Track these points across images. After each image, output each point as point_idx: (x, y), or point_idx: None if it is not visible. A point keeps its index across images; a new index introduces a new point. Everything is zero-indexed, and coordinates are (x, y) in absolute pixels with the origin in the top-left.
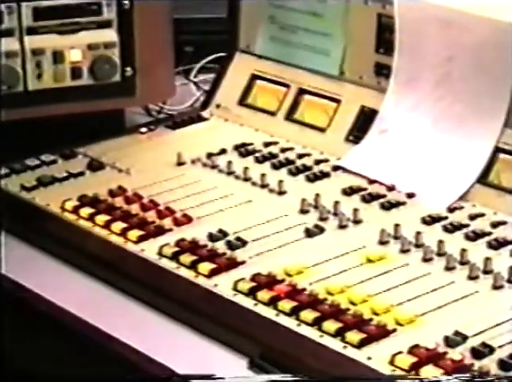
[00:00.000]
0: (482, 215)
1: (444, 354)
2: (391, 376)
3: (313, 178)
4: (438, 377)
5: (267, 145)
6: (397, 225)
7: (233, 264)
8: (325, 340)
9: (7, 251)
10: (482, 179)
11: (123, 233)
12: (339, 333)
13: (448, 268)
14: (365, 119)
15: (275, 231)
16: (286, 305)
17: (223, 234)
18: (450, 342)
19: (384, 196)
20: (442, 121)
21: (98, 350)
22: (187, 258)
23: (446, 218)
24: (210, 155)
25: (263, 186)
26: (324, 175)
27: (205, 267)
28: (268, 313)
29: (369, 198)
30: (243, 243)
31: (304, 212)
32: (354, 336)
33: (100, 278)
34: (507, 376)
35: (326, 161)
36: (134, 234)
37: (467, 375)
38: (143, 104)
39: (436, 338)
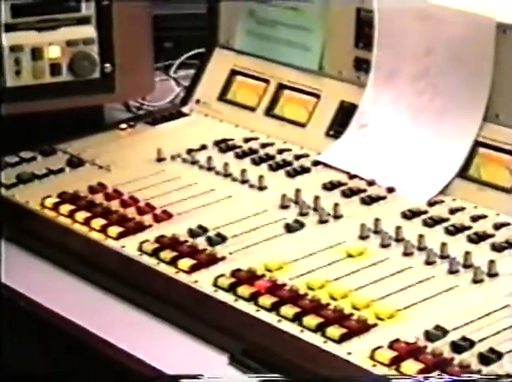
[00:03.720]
0: (462, 209)
1: (424, 348)
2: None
3: (293, 173)
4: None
5: (247, 140)
6: (377, 220)
7: (213, 260)
8: (306, 335)
9: None
10: (462, 173)
11: (103, 230)
12: (320, 328)
13: (428, 262)
14: (345, 114)
15: (255, 227)
16: (267, 300)
17: (203, 230)
18: (430, 336)
19: (364, 190)
20: (422, 115)
21: (76, 344)
22: (167, 254)
23: (426, 212)
24: (190, 151)
25: (243, 182)
26: (304, 170)
27: (185, 263)
28: (248, 308)
29: (349, 193)
30: (223, 238)
31: (284, 207)
32: (334, 331)
33: (80, 274)
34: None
35: (306, 156)
36: (114, 230)
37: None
38: (123, 100)
39: (417, 332)
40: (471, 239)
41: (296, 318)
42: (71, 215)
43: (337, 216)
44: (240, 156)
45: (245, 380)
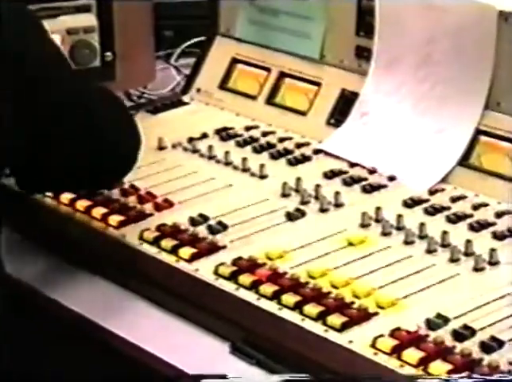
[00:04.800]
0: (463, 197)
1: (425, 337)
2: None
3: (294, 162)
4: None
5: (248, 129)
6: (378, 208)
7: (214, 248)
8: (307, 323)
9: None
10: (464, 161)
11: (104, 218)
12: (321, 317)
13: (430, 251)
14: (346, 102)
15: (256, 216)
16: (268, 289)
17: (203, 218)
18: (431, 325)
19: (365, 179)
20: (423, 103)
21: (78, 331)
22: (168, 242)
23: (427, 201)
24: (191, 139)
25: (244, 170)
26: (305, 159)
27: (186, 251)
28: (249, 297)
29: (350, 181)
30: (224, 227)
31: (285, 195)
32: (335, 319)
33: (80, 263)
34: None
35: (307, 144)
36: (115, 219)
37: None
38: (123, 89)
39: (418, 321)
40: (472, 228)
41: (297, 307)
42: (71, 204)
43: (338, 205)
44: (241, 144)
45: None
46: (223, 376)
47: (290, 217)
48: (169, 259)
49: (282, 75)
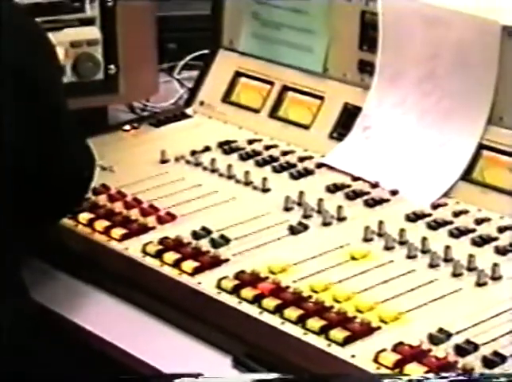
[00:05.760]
0: (466, 212)
1: (428, 351)
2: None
3: (297, 175)
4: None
5: (251, 142)
6: (381, 222)
7: (216, 262)
8: (309, 338)
9: None
10: (466, 176)
11: (106, 231)
12: (324, 331)
13: (432, 265)
14: (348, 116)
15: (259, 229)
16: (270, 303)
17: (206, 232)
18: (434, 339)
19: (368, 193)
20: (426, 118)
21: (78, 344)
22: (170, 256)
23: (430, 215)
24: (193, 153)
25: (247, 184)
26: (308, 172)
27: (189, 265)
28: (252, 311)
29: (353, 195)
30: (227, 240)
31: (287, 209)
32: (338, 333)
33: (83, 276)
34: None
35: (310, 158)
36: (118, 232)
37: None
38: (126, 102)
39: (420, 335)
40: (474, 242)
41: (300, 321)
42: (73, 216)
43: (341, 219)
44: (244, 158)
45: (241, 379)
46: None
47: (293, 231)
48: (172, 272)
49: (285, 88)
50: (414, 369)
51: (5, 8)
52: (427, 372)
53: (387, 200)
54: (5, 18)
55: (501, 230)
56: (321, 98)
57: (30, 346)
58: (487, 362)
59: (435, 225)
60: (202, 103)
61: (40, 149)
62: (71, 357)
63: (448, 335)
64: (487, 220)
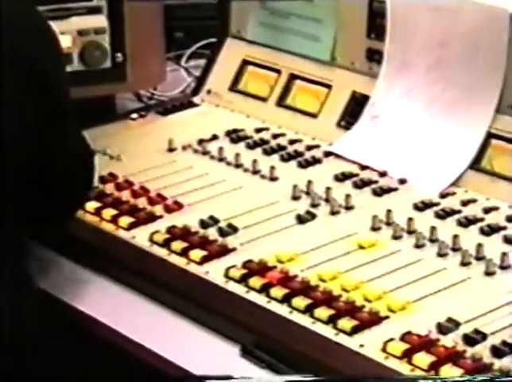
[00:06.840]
0: (474, 201)
1: (436, 341)
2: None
3: (305, 164)
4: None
5: (258, 131)
6: (389, 211)
7: (224, 251)
8: (317, 327)
9: None
10: (475, 165)
11: (114, 220)
12: (331, 320)
13: (440, 254)
14: (356, 105)
15: (266, 218)
16: (278, 292)
17: (214, 221)
18: (442, 329)
19: (376, 182)
20: (434, 106)
21: (84, 333)
22: (178, 245)
23: (438, 204)
24: (201, 141)
25: (255, 172)
26: (316, 161)
27: (196, 253)
28: (260, 300)
29: (361, 184)
30: (234, 229)
31: (295, 198)
32: (346, 323)
33: (90, 264)
34: None
35: (318, 146)
36: (125, 221)
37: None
38: (134, 90)
39: (429, 325)
40: (483, 231)
41: (308, 310)
42: None
43: (349, 208)
44: (251, 146)
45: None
46: (229, 378)
47: (301, 220)
48: (179, 261)
49: (293, 77)
50: (422, 358)
51: None
52: (435, 362)
53: (395, 189)
54: (5, 7)
55: (509, 219)
56: (329, 86)
57: (31, 346)
58: (496, 351)
59: (443, 214)
60: (209, 92)
61: (43, 146)
62: (76, 348)
63: (457, 324)
64: (496, 208)
